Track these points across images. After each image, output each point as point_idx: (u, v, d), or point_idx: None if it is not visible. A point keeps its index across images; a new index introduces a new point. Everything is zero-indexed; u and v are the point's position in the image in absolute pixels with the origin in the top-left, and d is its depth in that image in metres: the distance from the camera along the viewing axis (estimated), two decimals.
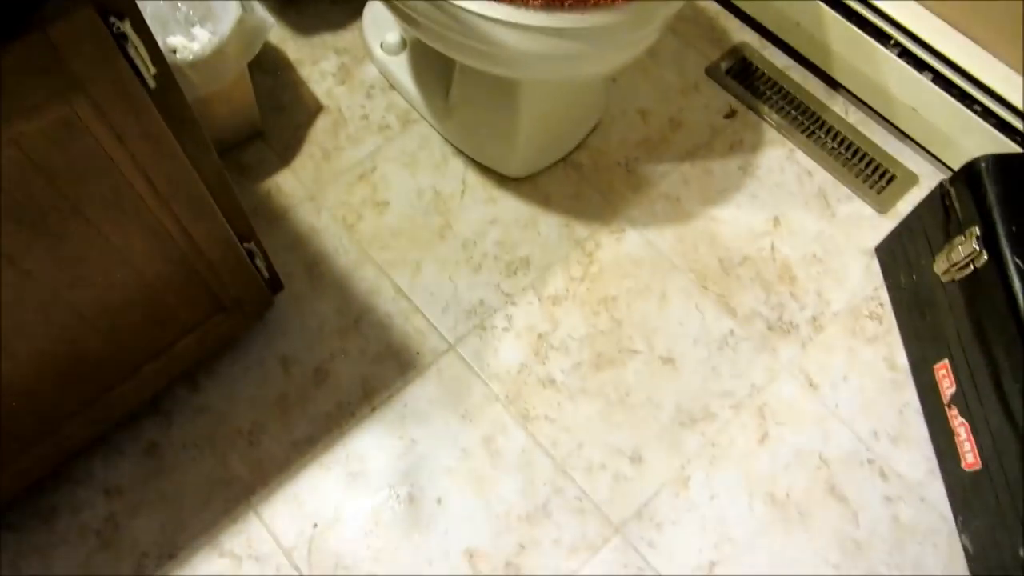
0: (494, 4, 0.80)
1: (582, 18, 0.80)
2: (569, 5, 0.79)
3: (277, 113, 1.20)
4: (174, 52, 1.15)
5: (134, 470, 0.95)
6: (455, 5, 0.81)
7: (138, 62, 0.62)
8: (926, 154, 1.21)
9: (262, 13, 1.08)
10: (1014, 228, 0.88)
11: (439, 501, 0.96)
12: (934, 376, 0.99)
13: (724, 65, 1.28)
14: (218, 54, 0.97)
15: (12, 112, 0.56)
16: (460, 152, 1.18)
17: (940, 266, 0.98)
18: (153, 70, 0.64)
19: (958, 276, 0.94)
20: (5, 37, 0.52)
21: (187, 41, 1.17)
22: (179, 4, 1.14)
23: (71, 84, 0.58)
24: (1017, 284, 0.85)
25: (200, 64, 0.97)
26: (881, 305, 1.09)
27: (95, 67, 0.59)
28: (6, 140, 0.57)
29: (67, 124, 0.61)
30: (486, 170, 1.16)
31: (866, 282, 1.11)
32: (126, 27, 0.60)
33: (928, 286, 1.01)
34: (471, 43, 0.87)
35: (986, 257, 0.89)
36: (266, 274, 0.94)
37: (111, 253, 0.74)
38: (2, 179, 0.59)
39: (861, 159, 1.20)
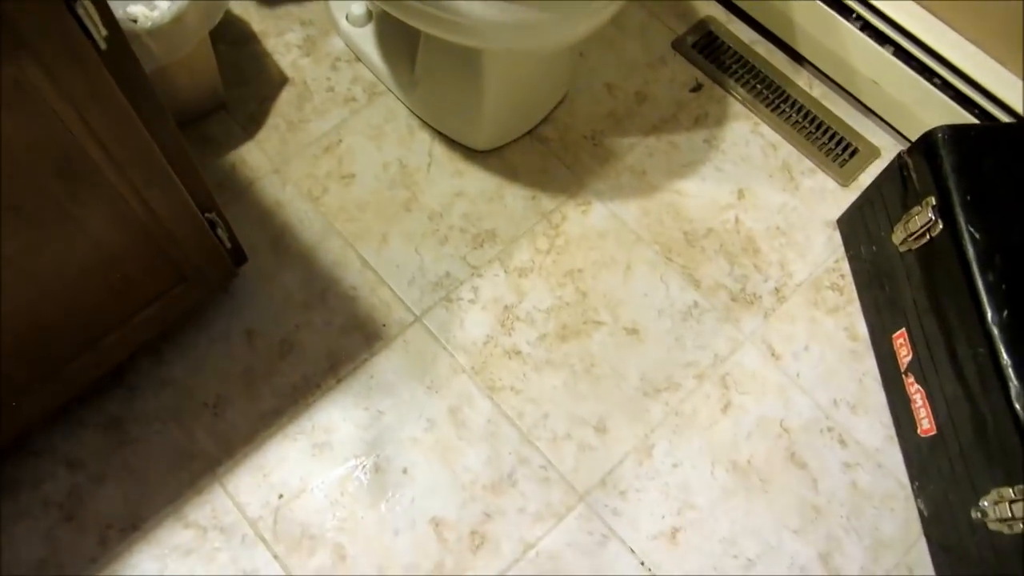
0: None
1: None
2: None
3: (241, 85, 1.19)
4: (134, 21, 1.13)
5: (97, 442, 0.95)
6: None
7: (88, 23, 0.61)
8: (888, 127, 1.22)
9: None
10: (968, 197, 0.90)
11: (405, 471, 0.96)
12: (892, 345, 1.01)
13: (690, 39, 1.28)
14: (177, 22, 0.96)
15: None
16: (427, 125, 1.17)
17: (898, 236, 0.99)
18: (104, 32, 0.63)
19: (915, 246, 0.96)
20: None
21: (148, 10, 1.15)
22: None
23: (17, 43, 0.57)
24: (971, 252, 0.87)
25: (159, 32, 0.95)
26: (842, 276, 1.11)
27: (43, 27, 0.58)
28: None
29: (15, 86, 0.60)
30: (453, 143, 1.16)
31: (828, 254, 1.13)
32: None
33: (887, 256, 1.03)
34: (434, 12, 0.87)
35: (941, 226, 0.91)
36: (228, 245, 0.93)
37: (67, 221, 0.73)
38: None
39: (825, 132, 1.22)
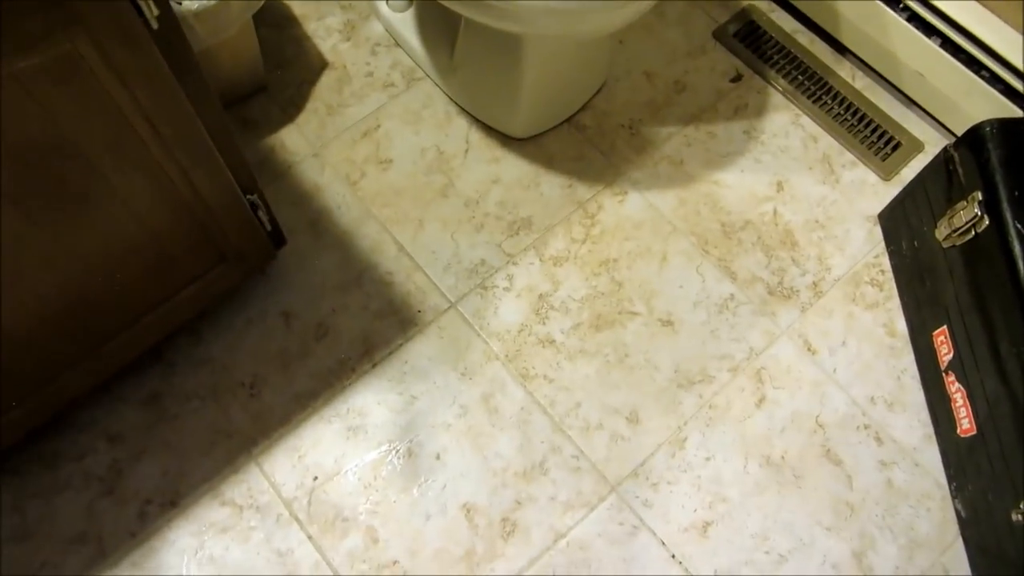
0: None
1: None
2: None
3: (282, 69, 1.19)
4: (179, 3, 1.14)
5: (137, 418, 0.96)
6: None
7: (140, 2, 0.62)
8: (932, 120, 1.20)
9: None
10: (1016, 193, 0.88)
11: (437, 457, 0.97)
12: (932, 342, 1.00)
13: (731, 28, 1.26)
14: (222, 4, 0.96)
15: (12, 46, 0.56)
16: (464, 111, 1.17)
17: (941, 232, 0.97)
18: (156, 11, 0.64)
19: (959, 242, 0.94)
20: None
21: None
22: None
23: (71, 19, 0.58)
24: (1017, 249, 0.85)
25: (204, 14, 0.96)
26: (882, 272, 1.09)
27: (96, 4, 0.58)
28: (7, 75, 0.57)
29: (68, 61, 0.61)
30: (490, 130, 1.16)
31: (868, 248, 1.11)
32: None
33: (929, 252, 1.01)
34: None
35: (987, 222, 0.89)
36: (268, 227, 0.94)
37: (113, 198, 0.74)
38: (3, 118, 0.59)
39: (867, 125, 1.20)
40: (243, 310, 1.03)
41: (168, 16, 0.66)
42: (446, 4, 0.93)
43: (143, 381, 0.98)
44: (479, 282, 1.06)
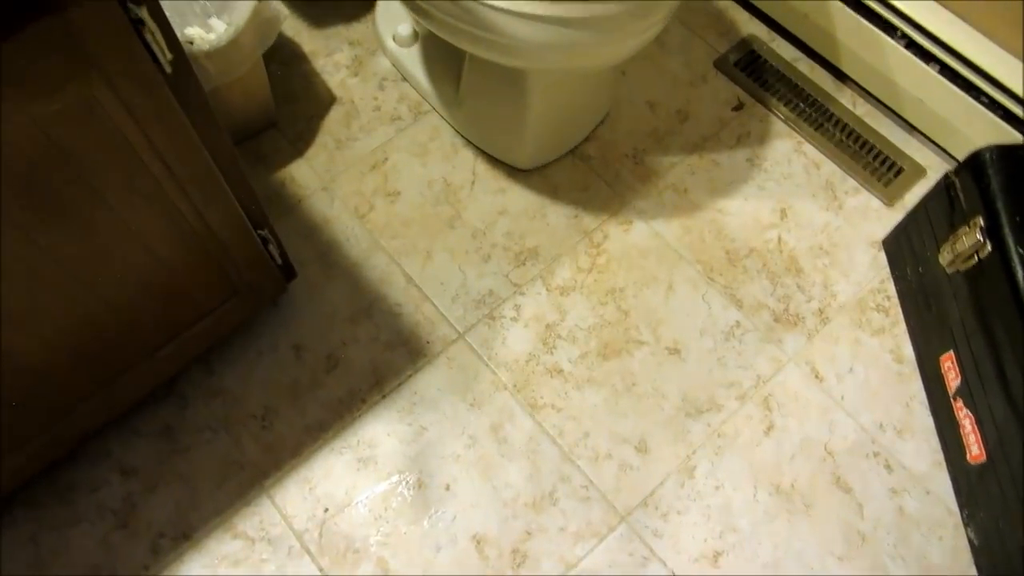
0: None
1: (587, 7, 0.81)
2: None
3: (291, 104, 1.22)
4: (191, 43, 1.17)
5: (150, 451, 0.97)
6: None
7: (154, 47, 0.64)
8: (933, 146, 1.21)
9: (277, 4, 1.09)
10: (1018, 218, 0.89)
11: (447, 487, 0.97)
12: (939, 368, 1.00)
13: (732, 57, 1.28)
14: (233, 44, 0.99)
15: (33, 92, 0.58)
16: (470, 143, 1.19)
17: (945, 257, 0.98)
18: (169, 56, 0.66)
19: (963, 267, 0.95)
20: (27, 18, 0.53)
21: (204, 32, 1.19)
22: None
23: (89, 66, 0.60)
24: (1020, 274, 0.86)
25: (216, 54, 0.99)
26: (888, 297, 1.10)
27: (113, 50, 0.60)
28: (27, 119, 0.59)
29: (85, 105, 0.62)
30: (496, 161, 1.18)
31: (873, 274, 1.12)
32: (143, 13, 0.61)
33: (934, 278, 1.01)
34: (478, 32, 0.88)
35: (990, 248, 0.90)
36: (279, 261, 0.96)
37: (128, 235, 0.76)
38: (23, 158, 0.61)
39: (869, 151, 1.21)
40: (254, 342, 1.04)
41: (181, 59, 0.68)
42: (450, 41, 0.95)
43: (156, 413, 1.00)
44: (487, 312, 1.07)
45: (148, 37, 0.63)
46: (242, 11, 1.00)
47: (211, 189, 0.79)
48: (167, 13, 0.63)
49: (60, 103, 0.61)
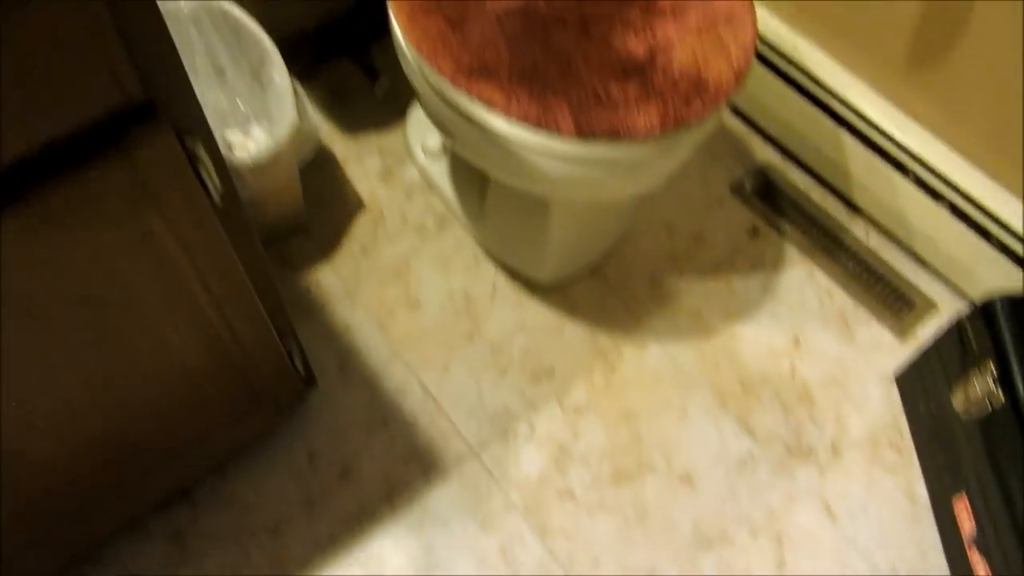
0: (529, 131, 0.84)
1: (613, 148, 0.85)
2: (601, 136, 0.84)
3: (321, 208, 1.26)
4: (230, 147, 1.22)
5: (159, 556, 0.97)
6: (491, 127, 0.86)
7: (207, 180, 0.67)
8: (945, 281, 1.24)
9: (316, 119, 1.14)
10: None
11: None
12: (953, 511, 1.00)
13: (748, 183, 1.33)
14: (273, 159, 1.03)
15: (95, 226, 0.61)
16: (492, 256, 1.22)
17: (958, 400, 0.99)
18: (220, 187, 0.69)
19: (976, 413, 0.96)
20: (96, 158, 0.56)
21: (243, 136, 1.24)
22: (238, 101, 1.22)
23: (148, 200, 0.63)
24: None
25: (256, 168, 1.03)
26: (901, 434, 1.11)
27: (171, 186, 0.64)
28: (86, 250, 0.61)
29: (140, 236, 0.65)
30: (516, 275, 1.21)
31: (886, 409, 1.13)
32: (199, 149, 0.65)
33: (947, 419, 1.02)
34: (504, 162, 0.92)
35: (1002, 398, 0.91)
36: (303, 372, 0.97)
37: (161, 346, 0.78)
38: (75, 283, 0.63)
39: (881, 283, 1.24)
40: (269, 447, 1.05)
41: (230, 191, 0.71)
42: (476, 164, 0.98)
43: (168, 517, 0.99)
44: (501, 429, 1.08)
45: (202, 171, 0.66)
46: (283, 125, 1.05)
47: (245, 306, 0.82)
48: (208, 117, 0.66)
49: (118, 235, 0.63)
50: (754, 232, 1.28)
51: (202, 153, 0.66)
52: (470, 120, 0.87)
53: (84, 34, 0.49)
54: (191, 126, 0.62)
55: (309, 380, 1.02)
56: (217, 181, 0.69)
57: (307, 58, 1.38)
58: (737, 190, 1.33)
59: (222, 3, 1.09)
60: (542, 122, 0.81)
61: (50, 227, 0.57)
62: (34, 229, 0.56)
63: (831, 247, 1.27)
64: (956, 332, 1.02)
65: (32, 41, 0.47)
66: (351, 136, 1.34)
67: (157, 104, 0.57)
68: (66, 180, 0.56)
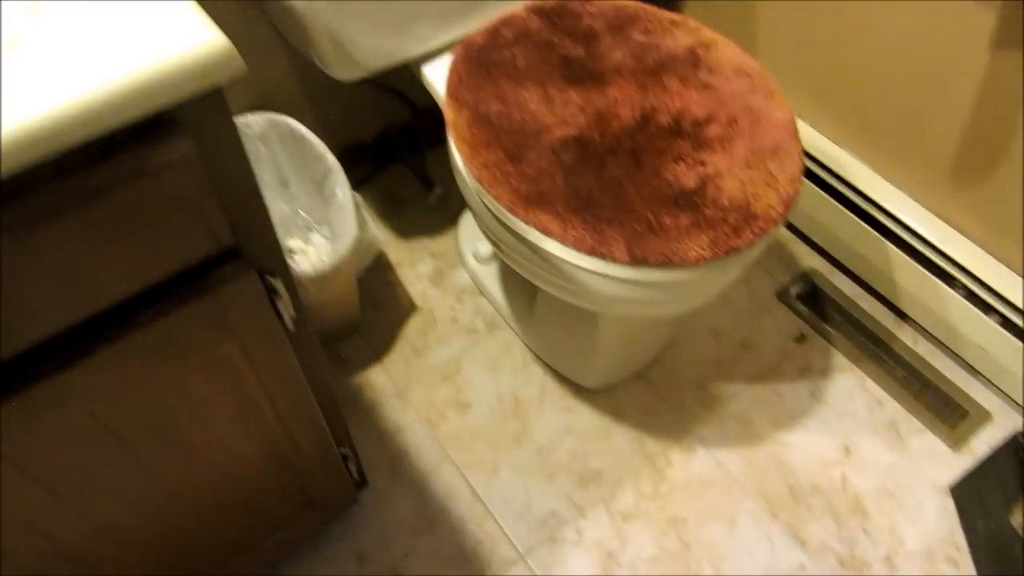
0: (583, 257, 0.88)
1: (666, 273, 0.88)
2: (654, 262, 0.87)
3: (375, 310, 1.31)
4: (291, 253, 1.29)
5: None
6: (545, 250, 0.90)
7: (282, 311, 0.72)
8: (998, 391, 1.22)
9: (375, 230, 1.21)
10: None
11: None
12: None
13: (794, 290, 1.35)
14: (335, 271, 1.09)
15: (182, 357, 0.66)
16: (540, 359, 1.25)
17: (1017, 520, 0.97)
18: (295, 317, 0.74)
19: None
20: (184, 298, 0.62)
21: (304, 244, 1.31)
22: (300, 211, 1.30)
23: (229, 331, 0.68)
24: None
25: (318, 278, 1.09)
26: (958, 548, 1.08)
27: (250, 318, 0.69)
28: (172, 377, 0.66)
29: (218, 362, 0.70)
30: (564, 378, 1.23)
31: (941, 522, 1.10)
32: (278, 284, 0.70)
33: (1006, 538, 1.00)
34: (555, 280, 0.96)
35: None
36: (356, 477, 1.00)
37: (225, 456, 0.82)
38: (157, 404, 0.68)
39: (932, 391, 1.23)
40: (319, 547, 1.07)
41: (302, 318, 0.76)
42: (527, 278, 1.02)
43: None
44: (549, 534, 1.09)
45: (279, 303, 0.71)
46: (345, 241, 1.11)
47: (307, 417, 0.86)
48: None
49: (198, 361, 0.69)
50: (801, 338, 1.29)
51: (280, 287, 0.71)
52: (525, 242, 0.91)
53: (189, 198, 0.55)
54: (273, 267, 0.67)
55: (361, 483, 1.05)
56: (292, 310, 0.74)
57: (366, 167, 1.47)
58: (783, 296, 1.34)
59: (288, 119, 1.18)
60: (596, 251, 0.85)
61: (139, 358, 0.62)
62: (124, 362, 0.62)
63: (879, 354, 1.27)
64: (1013, 447, 1.01)
65: (149, 204, 0.53)
66: (404, 240, 1.41)
67: (243, 248, 0.63)
68: (156, 316, 0.61)
